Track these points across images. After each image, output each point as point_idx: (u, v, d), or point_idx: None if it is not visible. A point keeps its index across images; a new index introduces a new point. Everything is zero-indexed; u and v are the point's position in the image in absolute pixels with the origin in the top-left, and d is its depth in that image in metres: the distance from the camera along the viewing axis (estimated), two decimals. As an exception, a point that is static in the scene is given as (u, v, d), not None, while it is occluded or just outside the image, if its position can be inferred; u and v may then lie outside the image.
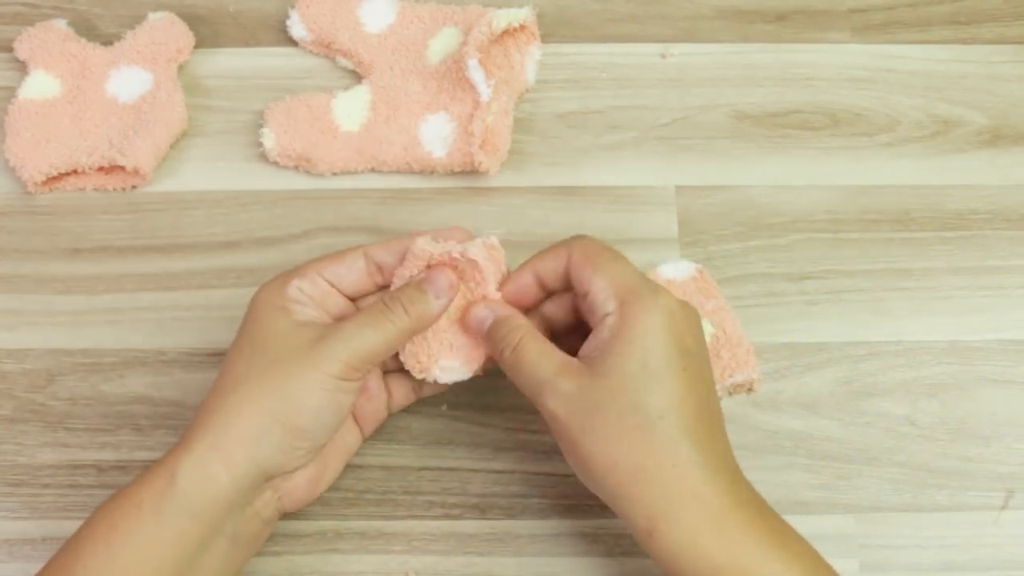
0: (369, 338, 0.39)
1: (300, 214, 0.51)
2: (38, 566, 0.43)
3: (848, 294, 0.50)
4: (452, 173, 0.52)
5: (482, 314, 0.42)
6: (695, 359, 0.39)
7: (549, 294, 0.43)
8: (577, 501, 0.45)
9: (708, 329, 0.47)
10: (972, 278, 0.50)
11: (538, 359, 0.40)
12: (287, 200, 0.51)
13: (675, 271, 0.49)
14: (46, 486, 0.45)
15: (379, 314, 0.40)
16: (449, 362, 0.42)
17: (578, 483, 0.45)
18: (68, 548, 0.37)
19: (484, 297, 0.42)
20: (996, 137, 0.53)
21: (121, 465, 0.46)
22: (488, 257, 0.42)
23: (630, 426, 0.37)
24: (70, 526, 0.44)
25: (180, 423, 0.46)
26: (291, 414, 0.38)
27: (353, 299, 0.43)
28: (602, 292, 0.39)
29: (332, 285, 0.41)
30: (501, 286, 0.43)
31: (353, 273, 0.42)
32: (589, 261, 0.40)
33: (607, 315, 0.39)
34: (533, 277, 0.42)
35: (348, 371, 0.39)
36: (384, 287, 0.43)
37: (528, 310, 0.43)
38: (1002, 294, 0.50)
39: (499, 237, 0.43)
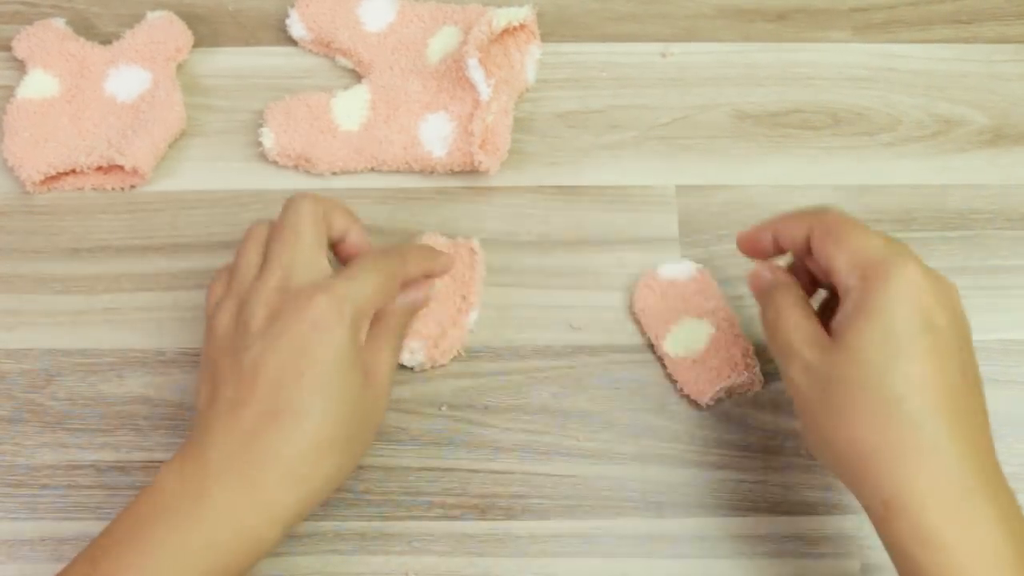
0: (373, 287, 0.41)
1: (299, 214, 0.51)
2: (37, 567, 0.43)
3: (849, 294, 0.49)
4: (452, 173, 0.52)
5: (765, 274, 0.42)
6: (946, 336, 0.36)
7: (781, 253, 0.42)
8: (577, 501, 0.45)
9: (708, 329, 0.47)
10: (973, 278, 0.50)
11: (794, 327, 0.39)
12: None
13: (675, 271, 0.49)
14: (45, 487, 0.45)
15: (373, 259, 0.42)
16: (416, 344, 0.46)
17: (578, 483, 0.46)
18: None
19: (463, 297, 0.47)
20: (997, 136, 0.53)
21: (120, 466, 0.46)
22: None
23: (867, 404, 0.36)
24: (69, 527, 0.44)
25: (179, 423, 0.46)
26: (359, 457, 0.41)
27: None
28: (845, 266, 0.38)
29: None
30: None
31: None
32: (831, 235, 0.39)
33: (850, 289, 0.37)
34: (771, 236, 0.42)
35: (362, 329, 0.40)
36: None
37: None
38: (1003, 294, 0.50)
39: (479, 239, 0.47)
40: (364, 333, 0.40)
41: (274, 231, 0.42)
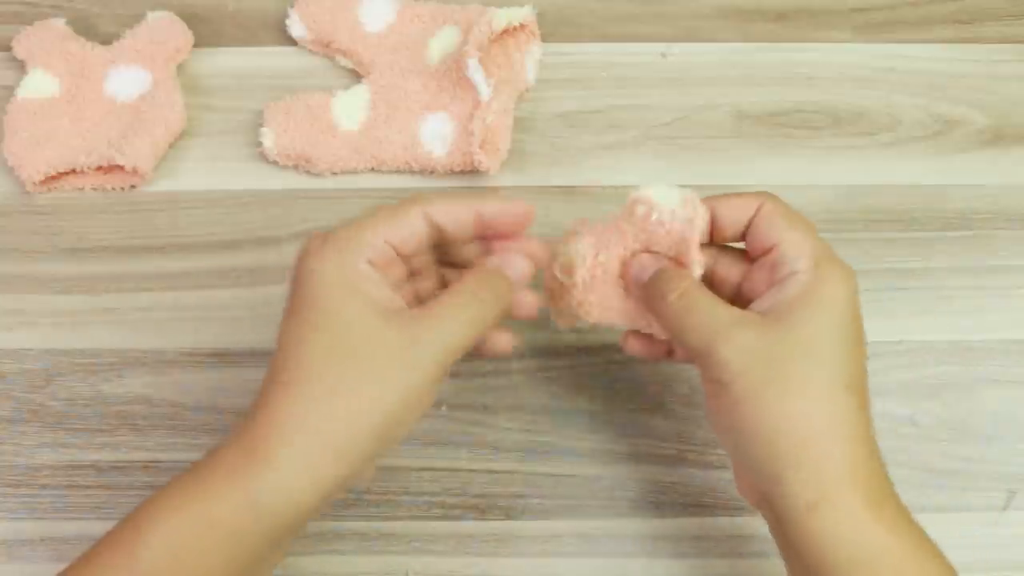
0: (466, 334, 0.36)
1: (300, 214, 0.51)
2: (37, 567, 0.43)
3: (849, 294, 0.49)
4: (452, 173, 0.52)
5: (645, 262, 0.40)
6: (862, 339, 0.37)
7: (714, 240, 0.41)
8: (577, 501, 0.45)
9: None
10: (974, 278, 0.50)
11: (711, 307, 0.37)
12: (287, 200, 0.51)
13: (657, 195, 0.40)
14: (44, 486, 0.45)
15: (472, 307, 0.37)
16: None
17: (578, 483, 0.45)
18: (120, 563, 0.34)
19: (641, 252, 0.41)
20: (998, 137, 0.53)
21: (120, 466, 0.46)
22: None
23: (818, 387, 0.35)
24: (69, 527, 0.44)
25: (179, 423, 0.46)
26: (389, 427, 0.34)
27: (407, 259, 0.39)
28: (795, 248, 0.37)
29: (393, 248, 0.37)
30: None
31: (414, 236, 0.37)
32: (784, 217, 0.38)
33: (796, 272, 0.37)
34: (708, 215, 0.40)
35: (445, 371, 0.36)
36: (438, 248, 0.40)
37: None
38: (1004, 294, 0.50)
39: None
40: (359, 265, 0.36)
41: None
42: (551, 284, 0.42)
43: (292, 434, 0.33)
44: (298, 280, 0.36)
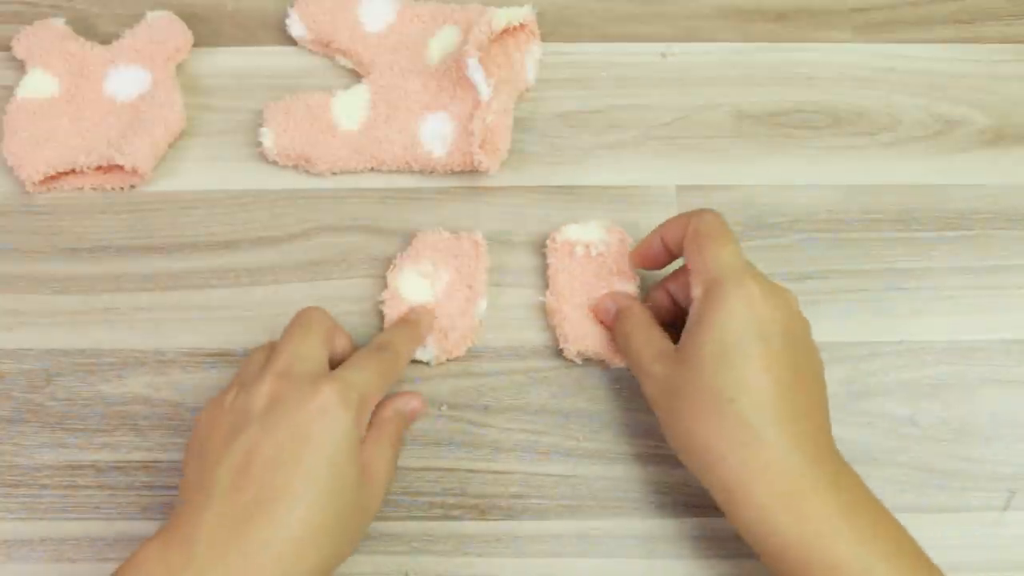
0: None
1: (299, 213, 0.51)
2: (37, 567, 0.44)
3: (849, 294, 0.49)
4: (452, 173, 0.52)
5: (608, 305, 0.46)
6: (777, 342, 0.39)
7: (676, 256, 0.45)
8: (577, 501, 0.45)
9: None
10: (974, 278, 0.50)
11: (642, 347, 0.43)
12: (286, 200, 0.51)
13: (584, 233, 0.49)
14: (44, 487, 0.45)
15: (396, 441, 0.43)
16: (428, 338, 0.47)
17: (578, 483, 0.46)
18: None
19: (469, 287, 0.48)
20: (998, 137, 0.53)
21: (119, 466, 0.46)
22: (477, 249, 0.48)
23: (704, 408, 0.39)
24: (68, 527, 0.44)
25: (179, 423, 0.46)
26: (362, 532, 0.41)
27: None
28: (696, 273, 0.41)
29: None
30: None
31: None
32: (693, 243, 0.42)
33: (695, 300, 0.41)
34: (660, 240, 0.45)
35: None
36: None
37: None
38: (1004, 294, 0.50)
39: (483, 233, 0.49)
40: (364, 427, 0.40)
41: (285, 329, 0.42)
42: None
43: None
44: (319, 418, 0.37)
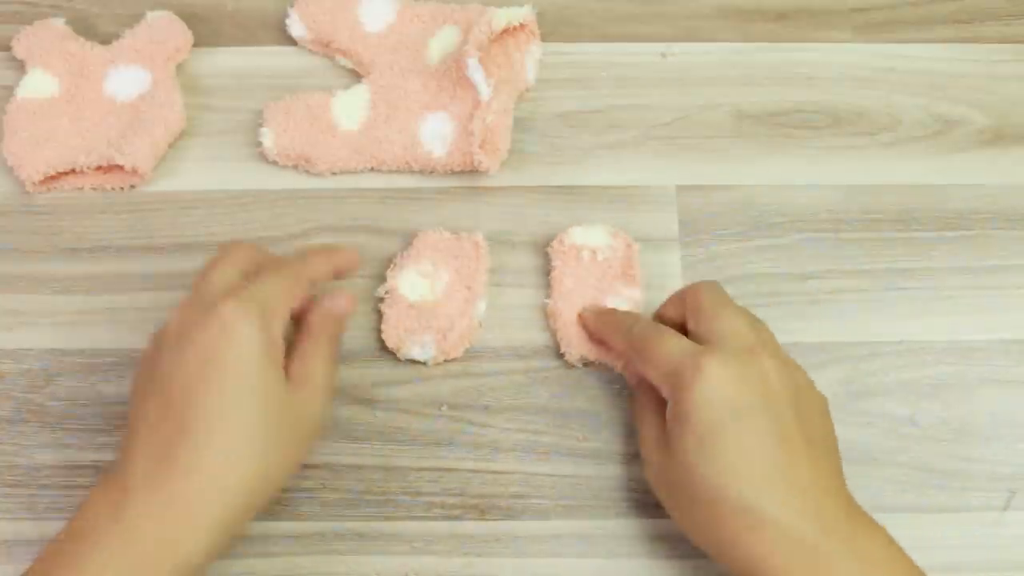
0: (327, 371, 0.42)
1: (299, 213, 0.51)
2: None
3: (849, 294, 0.49)
4: (452, 173, 0.52)
5: (631, 381, 0.46)
6: (755, 414, 0.38)
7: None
8: (577, 501, 0.45)
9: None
10: (973, 278, 0.50)
11: (646, 433, 0.42)
12: (286, 200, 0.51)
13: (590, 238, 0.49)
14: (44, 487, 0.45)
15: (330, 347, 0.42)
16: (427, 337, 0.47)
17: (578, 483, 0.46)
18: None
19: (468, 288, 0.48)
20: (998, 137, 0.53)
21: (120, 466, 0.46)
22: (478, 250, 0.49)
23: (697, 500, 0.38)
24: (68, 527, 0.44)
25: (179, 423, 0.46)
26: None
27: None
28: (657, 380, 0.41)
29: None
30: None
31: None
32: (638, 354, 0.42)
33: (667, 398, 0.40)
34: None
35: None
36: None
37: None
38: (1004, 294, 0.50)
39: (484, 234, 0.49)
40: (278, 334, 0.39)
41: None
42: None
43: (198, 493, 0.36)
44: (222, 336, 0.38)
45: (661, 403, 0.41)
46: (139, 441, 0.37)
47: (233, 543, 0.39)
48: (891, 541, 0.38)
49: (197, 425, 0.36)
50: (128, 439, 0.38)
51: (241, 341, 0.37)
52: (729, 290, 0.49)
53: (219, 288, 0.40)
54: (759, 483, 0.37)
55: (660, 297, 0.46)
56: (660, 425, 0.41)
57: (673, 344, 0.40)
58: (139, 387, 0.39)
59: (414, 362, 0.47)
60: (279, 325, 0.40)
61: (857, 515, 0.38)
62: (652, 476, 0.42)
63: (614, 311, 0.47)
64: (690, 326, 0.42)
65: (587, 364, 0.48)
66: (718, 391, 0.38)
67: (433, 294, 0.48)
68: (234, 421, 0.37)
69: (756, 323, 0.42)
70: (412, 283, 0.48)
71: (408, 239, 0.50)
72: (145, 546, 0.35)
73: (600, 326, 0.46)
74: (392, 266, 0.49)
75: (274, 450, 0.38)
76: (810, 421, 0.39)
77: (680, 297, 0.44)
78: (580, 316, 0.47)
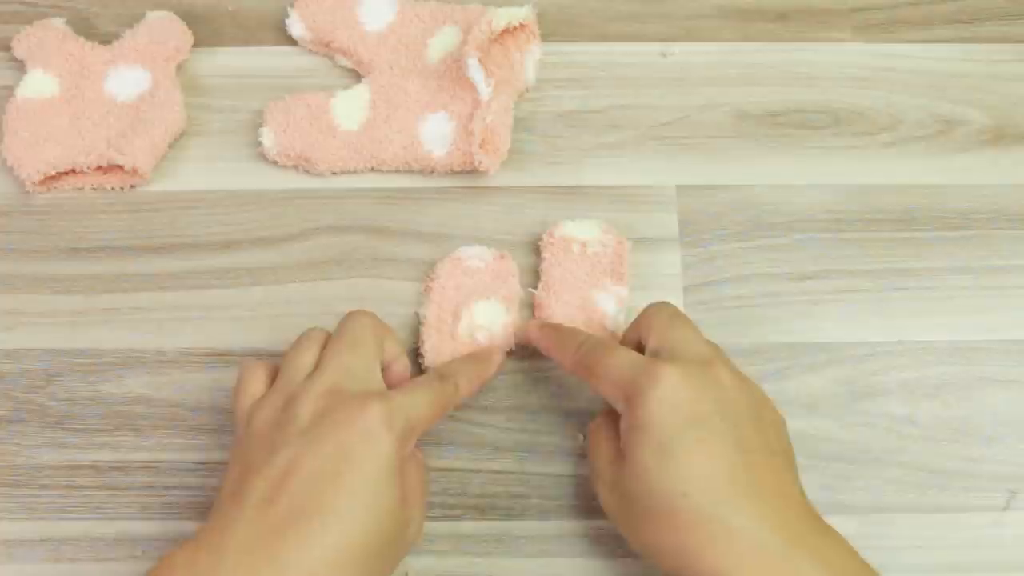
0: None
1: (299, 214, 0.51)
2: (37, 567, 0.43)
3: (850, 294, 0.49)
4: (452, 173, 0.52)
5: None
6: (713, 421, 0.37)
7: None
8: (577, 501, 0.45)
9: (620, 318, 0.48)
10: (974, 278, 0.50)
11: (597, 450, 0.41)
12: (286, 200, 0.51)
13: (581, 231, 0.49)
14: (44, 487, 0.45)
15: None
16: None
17: (578, 483, 0.46)
18: None
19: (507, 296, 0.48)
20: (998, 137, 0.53)
21: (120, 466, 0.46)
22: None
23: (656, 510, 0.37)
24: (68, 527, 0.44)
25: (179, 423, 0.46)
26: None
27: None
28: (609, 393, 0.40)
29: None
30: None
31: None
32: (589, 368, 0.41)
33: (621, 410, 0.39)
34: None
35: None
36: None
37: None
38: (1004, 294, 0.50)
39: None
40: (411, 449, 0.39)
41: (334, 337, 0.41)
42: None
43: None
44: (362, 441, 0.37)
45: (613, 416, 0.41)
46: (242, 518, 0.35)
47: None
48: (854, 552, 0.37)
49: (312, 520, 0.35)
50: (226, 512, 0.36)
51: (379, 451, 0.37)
52: (729, 290, 0.49)
53: (361, 382, 0.39)
54: (723, 492, 0.36)
55: (659, 297, 0.46)
56: (613, 438, 0.40)
57: (624, 357, 0.40)
58: (252, 459, 0.37)
59: (414, 362, 0.47)
60: (414, 440, 0.39)
61: (821, 525, 0.37)
62: (604, 490, 0.40)
63: (560, 326, 0.45)
64: (646, 343, 0.41)
65: None
66: (676, 397, 0.37)
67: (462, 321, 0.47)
68: (351, 527, 0.35)
69: (710, 341, 0.42)
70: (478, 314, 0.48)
71: (406, 239, 0.50)
72: None
73: (547, 342, 0.45)
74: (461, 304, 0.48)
75: (376, 563, 0.37)
76: (769, 433, 0.39)
77: (636, 321, 0.43)
78: (528, 328, 0.46)
